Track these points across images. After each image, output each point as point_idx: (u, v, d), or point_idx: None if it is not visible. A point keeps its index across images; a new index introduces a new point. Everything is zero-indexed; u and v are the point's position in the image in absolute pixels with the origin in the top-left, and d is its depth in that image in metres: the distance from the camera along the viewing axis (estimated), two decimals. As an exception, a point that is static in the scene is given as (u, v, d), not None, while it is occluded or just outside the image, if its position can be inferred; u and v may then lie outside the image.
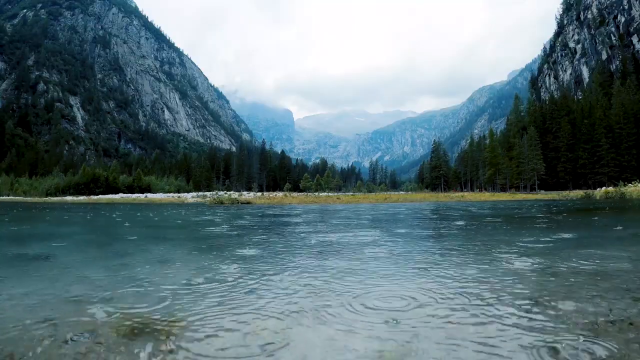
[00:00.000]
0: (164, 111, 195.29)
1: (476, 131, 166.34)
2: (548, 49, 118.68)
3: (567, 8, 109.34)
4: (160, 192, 57.79)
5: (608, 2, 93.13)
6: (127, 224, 8.58)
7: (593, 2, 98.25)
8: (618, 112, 52.90)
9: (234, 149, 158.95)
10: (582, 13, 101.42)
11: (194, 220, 9.76)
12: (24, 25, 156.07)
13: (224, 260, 3.34)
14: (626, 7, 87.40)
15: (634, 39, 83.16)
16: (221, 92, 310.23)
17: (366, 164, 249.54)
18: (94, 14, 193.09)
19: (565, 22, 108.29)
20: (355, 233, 5.60)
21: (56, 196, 50.46)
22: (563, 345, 1.38)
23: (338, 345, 1.42)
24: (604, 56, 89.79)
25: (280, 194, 42.78)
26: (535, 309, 1.81)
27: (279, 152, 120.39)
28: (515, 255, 3.42)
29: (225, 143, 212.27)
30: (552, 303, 1.90)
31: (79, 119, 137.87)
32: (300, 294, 2.14)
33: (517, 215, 9.56)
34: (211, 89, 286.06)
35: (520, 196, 32.10)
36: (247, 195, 32.48)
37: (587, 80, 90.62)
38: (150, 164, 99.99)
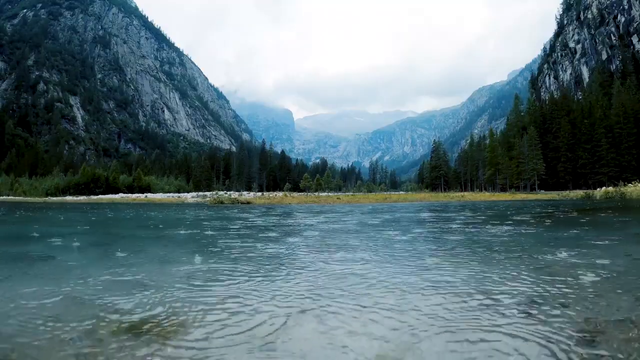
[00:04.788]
0: (164, 111, 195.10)
1: (476, 131, 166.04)
2: (548, 49, 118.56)
3: (567, 8, 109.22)
4: (160, 192, 57.75)
5: (608, 2, 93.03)
6: (126, 224, 8.59)
7: (593, 2, 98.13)
8: (618, 112, 52.84)
9: (234, 149, 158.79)
10: (582, 13, 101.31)
11: (194, 220, 9.76)
12: (24, 25, 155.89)
13: (224, 260, 3.34)
14: (626, 7, 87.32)
15: (634, 39, 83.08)
16: (221, 92, 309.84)
17: (366, 164, 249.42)
18: (94, 14, 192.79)
19: (565, 22, 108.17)
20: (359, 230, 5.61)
21: (56, 196, 50.42)
22: (564, 343, 1.37)
23: (337, 344, 1.40)
24: (604, 56, 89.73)
25: (280, 194, 42.77)
26: (535, 308, 1.80)
27: (279, 152, 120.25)
28: (514, 254, 3.42)
29: (225, 143, 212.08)
30: (553, 302, 1.90)
31: (79, 119, 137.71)
32: (300, 294, 2.14)
33: (517, 216, 9.56)
34: (211, 89, 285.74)
35: (520, 196, 32.10)
36: (247, 195, 32.49)
37: (587, 80, 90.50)
38: (150, 164, 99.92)
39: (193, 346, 1.40)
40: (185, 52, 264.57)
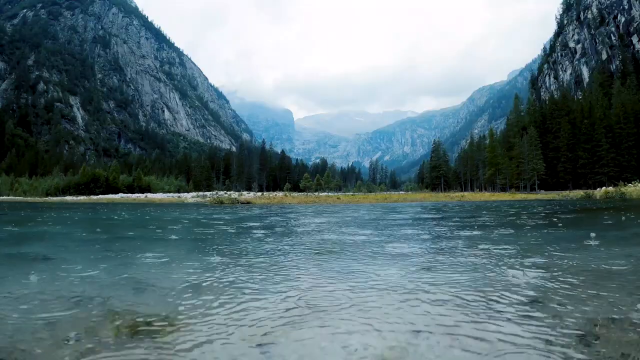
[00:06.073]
0: (164, 111, 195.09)
1: (476, 131, 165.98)
2: (548, 49, 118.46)
3: (567, 8, 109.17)
4: (160, 192, 57.77)
5: (608, 2, 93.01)
6: (126, 225, 8.58)
7: (593, 2, 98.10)
8: (618, 112, 52.83)
9: (234, 148, 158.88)
10: (582, 13, 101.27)
11: (194, 220, 9.76)
12: (24, 25, 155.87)
13: (224, 260, 3.34)
14: (626, 7, 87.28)
15: (634, 39, 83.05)
16: (221, 92, 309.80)
17: (366, 164, 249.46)
18: (94, 14, 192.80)
19: (565, 22, 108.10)
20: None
21: (56, 196, 50.44)
22: (564, 343, 1.37)
23: (337, 345, 1.39)
24: (604, 56, 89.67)
25: (280, 193, 42.77)
26: (535, 308, 1.80)
27: (279, 152, 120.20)
28: (514, 254, 3.42)
29: (225, 143, 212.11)
30: (553, 302, 1.90)
31: (79, 119, 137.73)
32: (300, 295, 2.14)
33: (517, 216, 9.55)
34: (211, 88, 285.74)
35: (520, 196, 32.10)
36: (247, 195, 32.48)
37: (587, 80, 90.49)
38: (150, 164, 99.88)
39: (193, 346, 1.39)
40: (185, 52, 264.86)
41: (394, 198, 28.49)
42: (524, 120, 64.02)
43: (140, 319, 1.67)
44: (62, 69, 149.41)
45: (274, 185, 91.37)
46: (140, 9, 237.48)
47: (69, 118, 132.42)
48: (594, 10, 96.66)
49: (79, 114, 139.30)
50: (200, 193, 48.75)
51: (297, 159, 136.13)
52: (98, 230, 7.29)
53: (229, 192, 45.83)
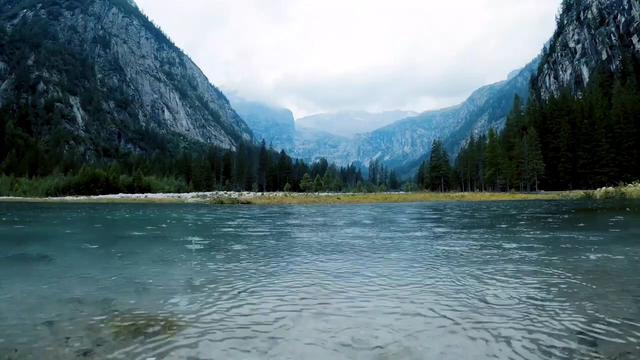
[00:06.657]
0: (164, 111, 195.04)
1: (476, 131, 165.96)
2: (548, 49, 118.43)
3: (567, 8, 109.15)
4: (160, 192, 57.75)
5: (608, 2, 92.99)
6: (126, 225, 8.59)
7: (593, 2, 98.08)
8: (618, 112, 52.83)
9: (234, 148, 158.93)
10: (582, 13, 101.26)
11: (194, 220, 9.76)
12: (24, 25, 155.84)
13: (223, 260, 3.34)
14: (626, 7, 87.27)
15: (634, 39, 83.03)
16: (221, 92, 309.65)
17: (366, 164, 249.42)
18: (94, 14, 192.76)
19: (565, 22, 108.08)
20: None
21: (56, 196, 50.43)
22: (564, 343, 1.37)
23: (337, 345, 1.40)
24: (604, 56, 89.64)
25: (280, 193, 42.76)
26: (535, 307, 1.81)
27: (279, 152, 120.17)
28: (513, 254, 3.42)
29: (225, 143, 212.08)
30: (552, 301, 1.90)
31: (79, 119, 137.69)
32: (299, 294, 2.14)
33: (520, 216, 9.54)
34: (211, 88, 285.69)
35: (520, 196, 32.10)
36: (247, 195, 32.46)
37: (587, 80, 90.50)
38: (150, 164, 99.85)
39: (193, 346, 1.40)
40: (185, 52, 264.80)
41: (394, 198, 28.48)
42: (524, 120, 64.04)
43: (141, 319, 1.67)
44: (62, 69, 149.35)
45: (274, 185, 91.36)
46: (140, 9, 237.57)
47: (69, 118, 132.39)
48: (594, 10, 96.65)
49: (79, 114, 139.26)
50: (200, 193, 48.72)
51: (297, 159, 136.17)
52: (98, 230, 7.29)
53: (229, 192, 45.82)
